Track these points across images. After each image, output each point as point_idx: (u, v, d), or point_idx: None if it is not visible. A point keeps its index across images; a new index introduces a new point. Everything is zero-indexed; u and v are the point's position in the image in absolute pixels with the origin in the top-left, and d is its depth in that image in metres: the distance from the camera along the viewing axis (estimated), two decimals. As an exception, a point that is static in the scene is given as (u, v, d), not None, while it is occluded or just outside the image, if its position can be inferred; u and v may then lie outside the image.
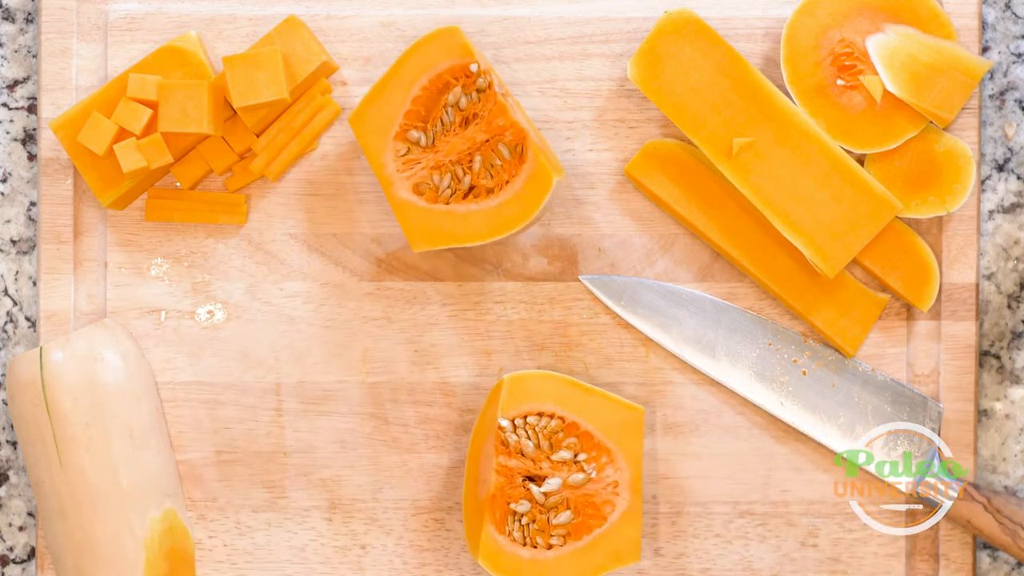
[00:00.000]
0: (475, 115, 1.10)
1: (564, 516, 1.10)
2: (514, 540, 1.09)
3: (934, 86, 1.12)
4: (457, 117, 1.11)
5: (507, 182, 1.09)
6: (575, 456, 1.11)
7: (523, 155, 1.09)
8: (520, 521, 1.10)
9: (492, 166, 1.10)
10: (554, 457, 1.10)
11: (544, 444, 1.11)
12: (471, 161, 1.10)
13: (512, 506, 1.09)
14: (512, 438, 1.10)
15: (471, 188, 1.10)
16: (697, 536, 1.16)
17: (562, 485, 1.10)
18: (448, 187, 1.10)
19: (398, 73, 1.10)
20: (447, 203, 1.10)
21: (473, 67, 1.09)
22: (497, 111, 1.09)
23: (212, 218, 1.15)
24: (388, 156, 1.10)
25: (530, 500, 1.10)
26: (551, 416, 1.11)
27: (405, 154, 1.10)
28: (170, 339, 1.15)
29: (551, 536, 1.10)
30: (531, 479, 1.11)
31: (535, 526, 1.10)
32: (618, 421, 1.11)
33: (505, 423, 1.10)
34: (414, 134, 1.10)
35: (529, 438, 1.10)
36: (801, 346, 1.15)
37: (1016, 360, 1.17)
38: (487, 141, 1.10)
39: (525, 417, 1.11)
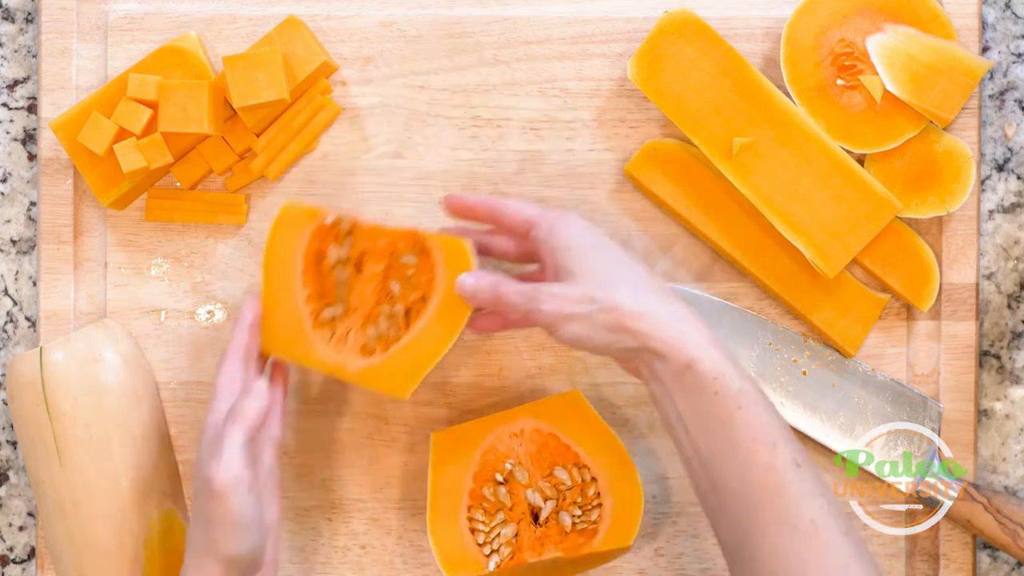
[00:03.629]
0: (362, 253, 1.07)
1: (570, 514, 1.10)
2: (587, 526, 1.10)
3: (934, 86, 1.12)
4: (349, 268, 1.07)
5: (430, 280, 1.05)
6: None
7: (425, 247, 1.05)
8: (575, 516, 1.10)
9: (409, 278, 1.06)
10: (544, 483, 1.11)
11: (546, 485, 1.11)
12: (389, 292, 1.06)
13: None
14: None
15: (407, 311, 1.06)
16: (697, 536, 1.16)
17: (556, 505, 1.10)
18: (390, 328, 1.06)
19: (274, 271, 1.06)
20: (399, 339, 1.05)
21: (328, 219, 1.06)
22: (373, 236, 1.06)
23: (212, 218, 1.15)
24: (320, 347, 1.06)
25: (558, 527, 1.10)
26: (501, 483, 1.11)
27: (333, 335, 1.07)
28: (170, 339, 1.15)
29: (594, 509, 1.09)
30: (535, 517, 1.10)
31: (581, 515, 1.09)
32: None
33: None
34: (328, 312, 1.07)
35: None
36: (801, 346, 1.15)
37: (1016, 360, 1.17)
38: (388, 267, 1.06)
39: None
